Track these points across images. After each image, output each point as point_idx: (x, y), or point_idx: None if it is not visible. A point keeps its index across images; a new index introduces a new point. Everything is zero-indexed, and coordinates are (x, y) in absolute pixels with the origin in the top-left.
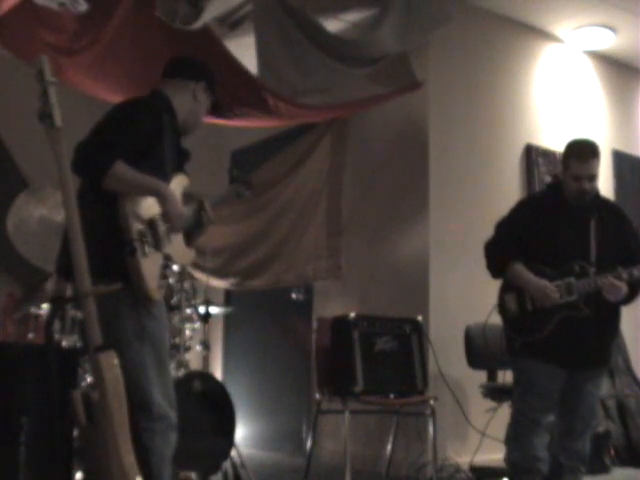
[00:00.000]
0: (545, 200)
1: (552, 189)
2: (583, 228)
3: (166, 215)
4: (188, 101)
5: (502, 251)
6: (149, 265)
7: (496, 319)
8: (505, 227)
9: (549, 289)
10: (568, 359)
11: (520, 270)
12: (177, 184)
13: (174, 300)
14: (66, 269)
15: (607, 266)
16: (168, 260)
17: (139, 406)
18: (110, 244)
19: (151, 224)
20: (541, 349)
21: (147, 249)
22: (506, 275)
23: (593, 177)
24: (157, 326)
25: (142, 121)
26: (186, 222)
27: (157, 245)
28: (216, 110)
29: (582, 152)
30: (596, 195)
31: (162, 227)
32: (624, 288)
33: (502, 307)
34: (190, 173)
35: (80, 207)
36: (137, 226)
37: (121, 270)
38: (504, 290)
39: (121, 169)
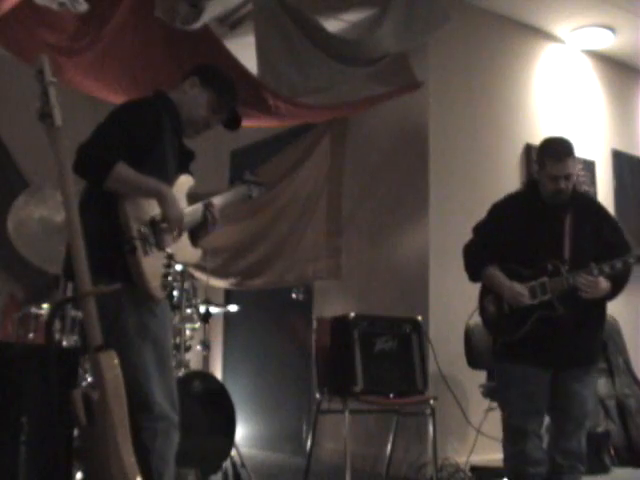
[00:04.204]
0: (520, 200)
1: (528, 188)
2: (557, 226)
3: (164, 216)
4: (179, 97)
5: (477, 255)
6: (150, 263)
7: None
8: (481, 230)
9: (518, 292)
10: (547, 359)
11: (493, 273)
12: (182, 184)
13: (174, 300)
14: (71, 270)
15: (583, 263)
16: (171, 259)
17: (140, 406)
18: (111, 243)
19: (152, 224)
20: (519, 351)
21: (148, 248)
22: (482, 278)
23: (570, 176)
24: (159, 325)
25: (142, 122)
26: (193, 222)
27: (159, 244)
28: (232, 124)
29: (558, 151)
30: (574, 191)
31: (162, 227)
32: (602, 284)
33: (482, 309)
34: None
35: (83, 208)
36: (138, 225)
37: (123, 269)
38: (483, 292)
39: (122, 170)
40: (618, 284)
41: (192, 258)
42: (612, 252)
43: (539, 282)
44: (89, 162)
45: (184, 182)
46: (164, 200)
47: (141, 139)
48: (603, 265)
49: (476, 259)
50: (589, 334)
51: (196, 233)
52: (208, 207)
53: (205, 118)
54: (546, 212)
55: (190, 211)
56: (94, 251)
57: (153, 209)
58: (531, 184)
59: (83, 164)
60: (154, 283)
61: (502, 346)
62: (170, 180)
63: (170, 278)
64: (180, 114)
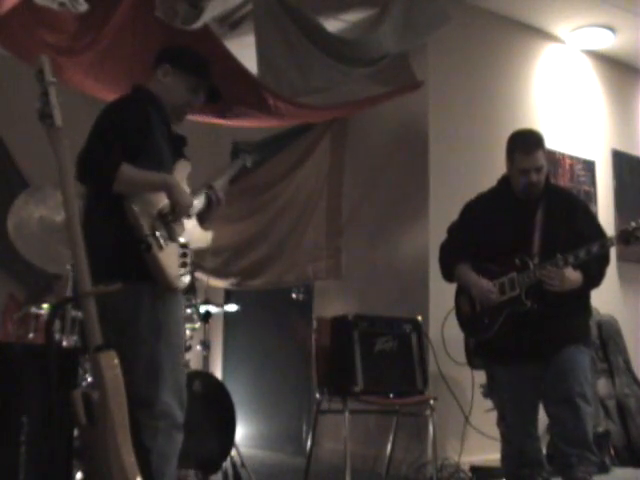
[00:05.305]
0: (492, 197)
1: (501, 184)
2: (527, 221)
3: (174, 206)
4: (155, 86)
5: (449, 254)
6: (167, 257)
7: None
8: (454, 229)
9: (487, 289)
10: (522, 354)
11: (463, 271)
12: (181, 170)
13: None
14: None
15: (553, 256)
16: (185, 248)
17: (143, 402)
18: (125, 245)
19: (161, 216)
20: (495, 350)
21: (162, 242)
22: (455, 277)
23: (540, 168)
24: (173, 322)
25: (132, 119)
26: (198, 207)
27: (171, 236)
28: (214, 97)
29: (527, 144)
30: (547, 184)
31: (171, 217)
32: (569, 275)
33: (457, 309)
34: (190, 173)
35: (89, 217)
36: (148, 222)
37: (140, 268)
38: (458, 292)
39: (127, 171)
40: (590, 274)
41: (202, 242)
42: (585, 243)
43: (508, 278)
44: (94, 169)
45: (183, 167)
46: (172, 190)
47: (134, 136)
48: (568, 255)
49: (448, 258)
50: (567, 319)
51: (203, 216)
52: (210, 188)
53: (186, 100)
54: (517, 207)
55: (195, 196)
56: (109, 257)
57: (159, 201)
58: (503, 181)
59: (88, 172)
60: (173, 274)
61: (482, 346)
62: (169, 169)
63: (188, 265)
64: (162, 103)
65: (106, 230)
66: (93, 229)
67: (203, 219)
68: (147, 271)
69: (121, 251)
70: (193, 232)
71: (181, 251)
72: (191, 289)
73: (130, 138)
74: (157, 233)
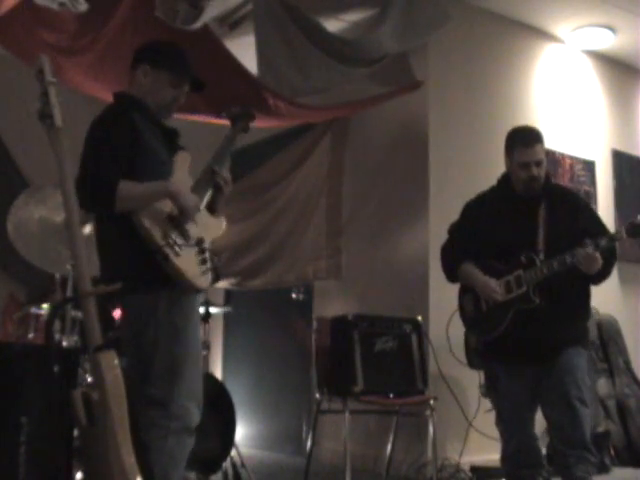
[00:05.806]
0: (492, 196)
1: (501, 183)
2: (531, 217)
3: (180, 210)
4: (137, 89)
5: (452, 254)
6: (185, 260)
7: None
8: (455, 230)
9: (492, 289)
10: (529, 353)
11: (468, 270)
12: (182, 164)
13: None
14: (102, 278)
15: (558, 252)
16: (201, 244)
17: (158, 402)
18: (142, 259)
19: (171, 220)
20: (500, 348)
21: (177, 248)
22: (459, 277)
23: (540, 162)
24: (191, 326)
25: (120, 131)
26: (206, 196)
27: (185, 237)
28: (197, 87)
29: (526, 138)
30: (547, 182)
31: (181, 219)
32: (598, 256)
33: (461, 309)
34: (191, 172)
35: (102, 236)
36: (159, 231)
37: (158, 276)
38: (462, 291)
39: (126, 188)
40: (607, 262)
41: (218, 231)
42: (591, 239)
43: (514, 276)
44: (92, 193)
45: (183, 160)
46: (175, 197)
47: (127, 147)
48: (599, 240)
49: (451, 259)
50: (569, 320)
51: (213, 204)
52: (213, 174)
53: (172, 96)
54: (519, 205)
55: (198, 189)
56: (129, 273)
57: (166, 205)
58: (503, 179)
59: (88, 197)
60: (195, 275)
61: (483, 345)
62: (168, 168)
63: (208, 260)
64: (147, 104)
65: (121, 248)
66: (108, 250)
67: (213, 207)
68: (164, 277)
69: (139, 266)
70: (206, 223)
71: (197, 248)
72: (216, 280)
73: (126, 150)
74: (171, 240)
